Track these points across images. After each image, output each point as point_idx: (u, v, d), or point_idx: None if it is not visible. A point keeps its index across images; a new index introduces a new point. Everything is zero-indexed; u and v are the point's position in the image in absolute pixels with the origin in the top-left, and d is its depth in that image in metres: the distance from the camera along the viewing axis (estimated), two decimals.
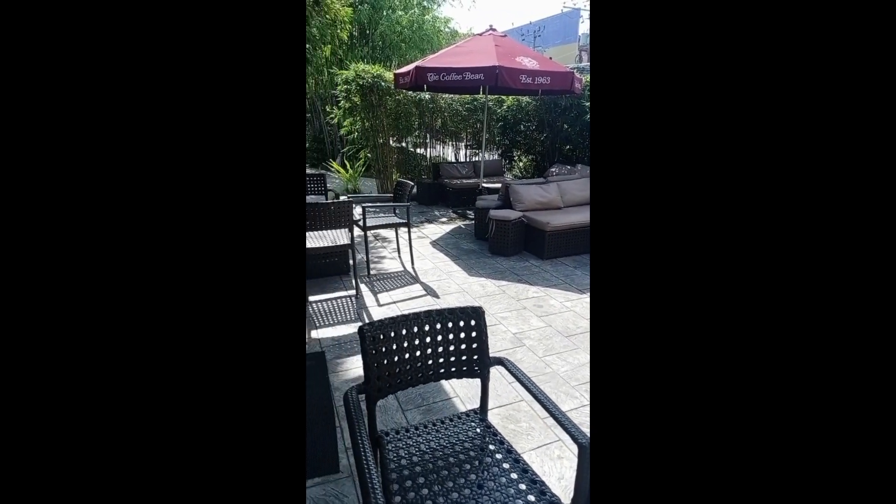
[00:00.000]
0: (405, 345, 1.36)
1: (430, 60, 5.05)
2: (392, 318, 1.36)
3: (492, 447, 1.29)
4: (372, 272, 3.87)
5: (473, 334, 1.41)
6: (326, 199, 4.31)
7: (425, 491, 1.13)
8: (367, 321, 2.99)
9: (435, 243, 4.75)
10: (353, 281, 3.56)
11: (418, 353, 1.37)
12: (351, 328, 2.88)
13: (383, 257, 4.33)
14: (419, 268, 3.98)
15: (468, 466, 1.22)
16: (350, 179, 7.11)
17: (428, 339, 1.39)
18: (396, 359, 1.34)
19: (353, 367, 2.45)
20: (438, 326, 1.40)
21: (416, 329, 1.38)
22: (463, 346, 1.41)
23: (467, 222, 5.65)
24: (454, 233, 5.20)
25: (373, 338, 1.31)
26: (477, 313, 1.42)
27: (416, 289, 3.52)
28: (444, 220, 5.84)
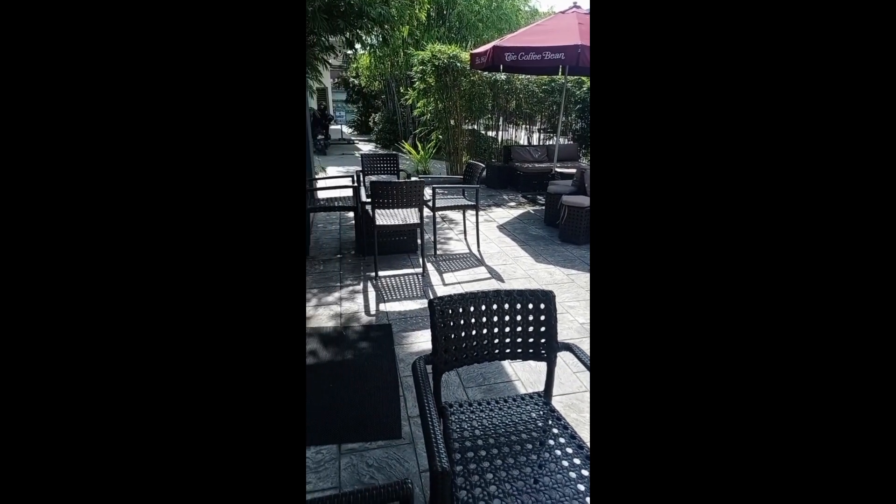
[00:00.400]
0: (473, 321, 1.37)
1: (508, 40, 4.92)
2: (462, 295, 1.38)
3: (555, 431, 1.27)
4: (438, 252, 3.93)
5: (542, 318, 1.39)
6: (398, 179, 4.42)
7: (486, 464, 1.15)
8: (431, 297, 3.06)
9: (502, 227, 4.71)
10: (420, 259, 3.64)
11: (485, 331, 1.38)
12: (417, 304, 2.97)
13: (449, 239, 4.38)
14: (485, 251, 3.98)
15: (529, 447, 1.22)
16: (421, 161, 7.22)
17: (496, 318, 1.39)
18: (464, 334, 1.36)
19: (418, 340, 2.53)
20: (507, 307, 1.40)
21: (484, 307, 1.39)
22: (531, 329, 1.40)
23: (537, 208, 5.53)
24: (523, 218, 5.11)
25: (442, 311, 1.34)
26: (547, 297, 1.39)
27: (482, 271, 3.53)
28: (512, 204, 5.76)
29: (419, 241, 3.73)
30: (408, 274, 3.47)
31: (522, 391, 2.10)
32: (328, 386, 2.11)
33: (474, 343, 1.38)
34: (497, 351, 1.40)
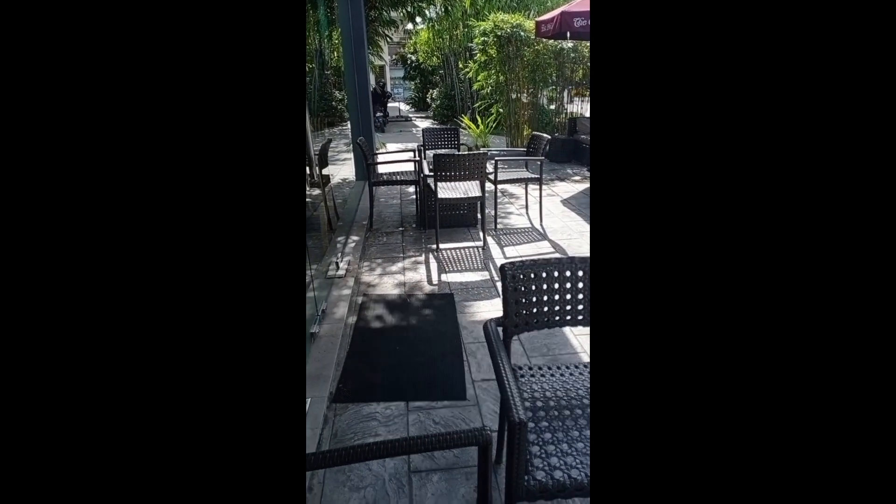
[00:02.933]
0: (544, 287, 1.36)
1: (577, 4, 4.66)
2: (533, 260, 1.37)
3: None
4: (499, 227, 3.90)
5: None
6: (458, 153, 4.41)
7: (557, 423, 1.15)
8: (493, 271, 3.06)
9: (566, 202, 4.57)
10: (481, 233, 3.64)
11: (557, 297, 1.37)
12: (477, 275, 2.99)
13: (510, 213, 4.32)
14: (547, 226, 3.89)
15: None
16: (480, 135, 7.13)
17: (569, 285, 1.37)
18: (535, 299, 1.35)
19: (480, 310, 2.55)
20: (581, 273, 1.37)
21: (557, 273, 1.36)
22: None
23: None
24: (587, 192, 4.92)
25: (513, 276, 1.34)
26: None
27: (545, 245, 3.47)
28: (577, 178, 5.55)
29: (479, 216, 3.72)
30: (468, 247, 3.48)
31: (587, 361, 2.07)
32: (395, 348, 2.20)
33: (545, 308, 1.37)
34: (569, 317, 1.38)
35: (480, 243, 3.53)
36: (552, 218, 4.07)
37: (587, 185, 5.22)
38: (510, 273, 1.33)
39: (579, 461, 1.03)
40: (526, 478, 0.97)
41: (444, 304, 2.63)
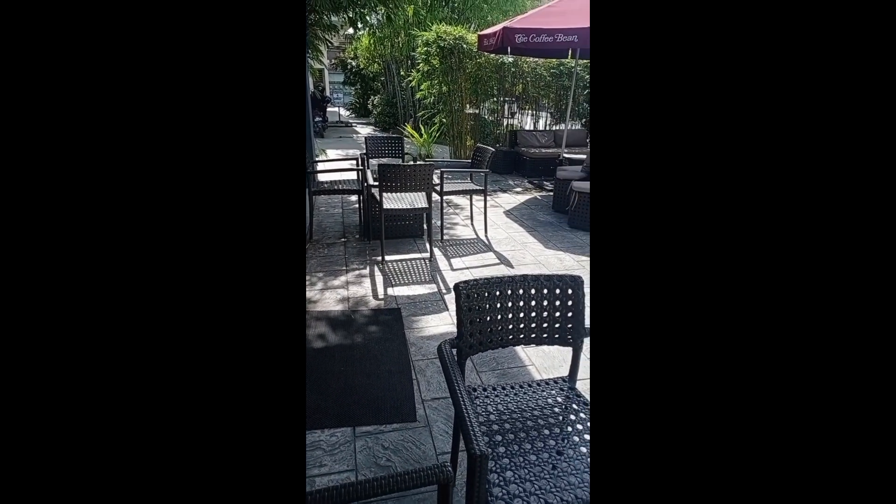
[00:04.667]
0: (499, 306, 1.34)
1: (519, 21, 4.81)
2: (487, 279, 1.34)
3: (582, 415, 1.25)
4: (445, 238, 3.89)
5: (570, 303, 1.36)
6: (403, 163, 4.35)
7: (507, 449, 1.13)
8: (441, 284, 3.03)
9: (509, 213, 4.67)
10: (428, 244, 3.60)
11: (511, 316, 1.35)
12: (425, 288, 2.94)
13: (456, 224, 4.33)
14: (493, 237, 3.94)
15: (557, 430, 1.20)
16: (424, 145, 7.12)
17: (522, 303, 1.36)
18: (489, 318, 1.33)
19: (429, 325, 2.50)
20: (533, 291, 1.36)
21: (510, 292, 1.35)
22: (557, 314, 1.37)
23: (544, 193, 5.47)
24: (530, 203, 5.06)
25: (468, 295, 1.31)
26: (576, 282, 1.36)
27: (490, 257, 3.50)
28: (518, 190, 5.70)
29: (425, 227, 3.68)
30: (415, 259, 3.43)
31: (536, 376, 2.09)
32: (340, 369, 2.08)
33: (499, 328, 1.35)
34: (522, 336, 1.37)
35: (427, 255, 3.49)
36: (497, 229, 4.13)
37: (529, 196, 5.38)
38: (465, 293, 1.30)
39: (538, 487, 1.01)
40: None
41: (392, 319, 2.55)
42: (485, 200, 4.03)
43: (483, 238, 3.91)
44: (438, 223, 3.96)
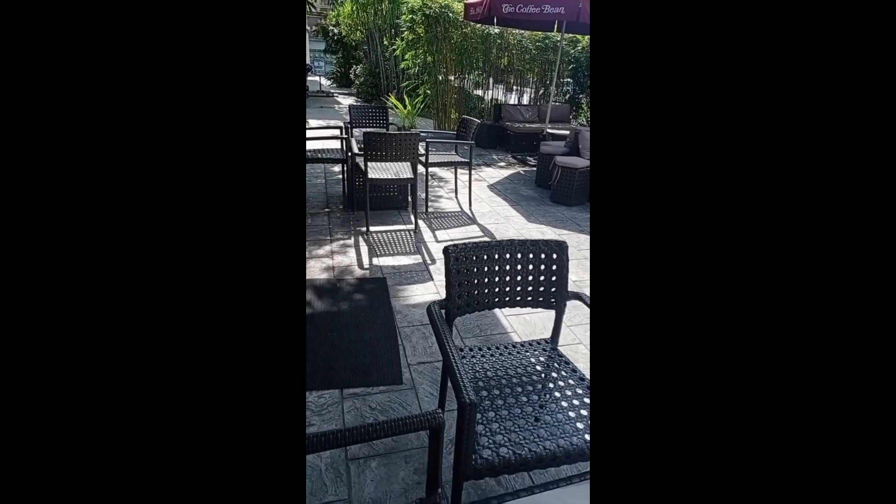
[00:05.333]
0: (486, 269, 1.38)
1: None
2: (476, 243, 1.38)
3: (563, 373, 1.32)
4: (429, 210, 3.89)
5: (554, 267, 1.41)
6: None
7: (493, 404, 1.19)
8: (426, 255, 3.06)
9: (493, 187, 4.68)
10: (412, 216, 3.60)
11: (497, 279, 1.39)
12: (410, 259, 2.96)
13: (440, 196, 4.33)
14: (476, 210, 3.96)
15: (540, 387, 1.26)
16: (408, 116, 7.00)
17: (508, 267, 1.40)
18: (476, 281, 1.37)
19: (414, 294, 2.54)
20: (520, 256, 1.40)
21: (497, 256, 1.39)
22: (542, 278, 1.42)
23: (527, 168, 5.50)
24: (513, 178, 5.08)
25: (456, 258, 1.34)
26: (561, 247, 1.40)
27: (474, 230, 3.53)
28: (502, 164, 5.71)
29: (410, 198, 3.67)
30: (400, 230, 3.43)
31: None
32: (326, 335, 2.11)
33: (486, 290, 1.39)
34: (508, 298, 1.42)
35: (412, 227, 3.49)
36: (481, 203, 4.15)
37: (512, 171, 5.40)
38: (454, 255, 1.33)
39: (522, 437, 1.07)
40: (474, 457, 0.98)
41: (377, 288, 2.57)
42: (469, 173, 4.03)
43: (467, 211, 3.93)
44: (423, 195, 3.94)
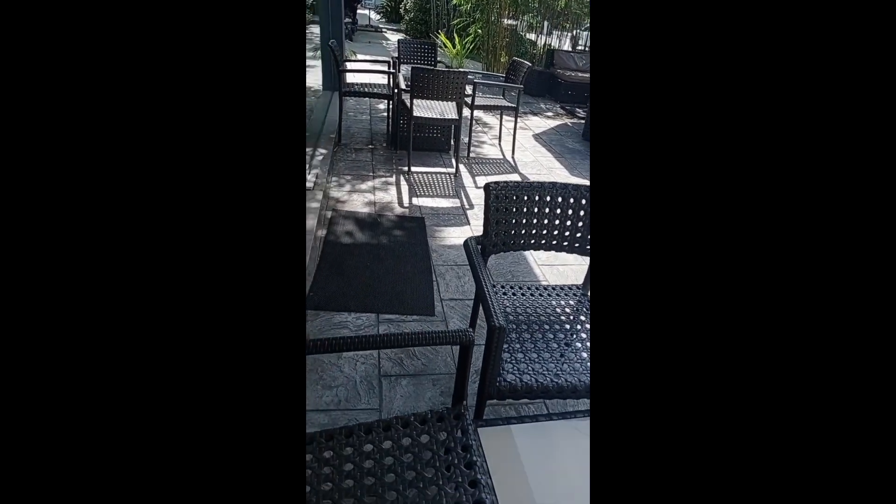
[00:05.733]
0: (525, 210, 1.39)
1: None
2: (517, 183, 1.39)
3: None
4: (471, 155, 3.85)
5: None
6: None
7: (519, 337, 1.25)
8: (464, 199, 3.07)
9: (538, 137, 4.54)
10: (454, 160, 3.59)
11: (535, 221, 1.41)
12: (449, 202, 2.99)
13: (483, 142, 4.25)
14: (519, 159, 3.88)
15: (567, 328, 1.31)
16: (457, 56, 6.74)
17: (547, 210, 1.41)
18: (514, 221, 1.39)
19: (450, 235, 2.59)
20: (560, 199, 1.41)
21: (537, 197, 1.40)
22: (580, 224, 1.42)
23: (575, 121, 5.26)
24: (560, 129, 4.90)
25: (497, 196, 1.36)
26: None
27: (515, 178, 3.48)
28: (549, 114, 5.48)
29: (452, 142, 3.63)
30: (440, 172, 3.44)
31: None
32: (366, 264, 2.21)
33: (522, 231, 1.41)
34: (544, 241, 1.44)
35: (453, 170, 3.49)
36: (524, 152, 4.06)
37: (560, 122, 5.18)
38: (494, 193, 1.35)
39: (546, 369, 1.13)
40: (498, 379, 1.06)
41: (415, 226, 2.64)
42: (515, 119, 3.91)
43: (510, 159, 3.86)
44: (466, 140, 3.89)
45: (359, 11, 11.24)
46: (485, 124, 4.80)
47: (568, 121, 5.25)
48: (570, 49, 7.03)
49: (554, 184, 1.40)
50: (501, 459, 0.93)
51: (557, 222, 1.42)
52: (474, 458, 0.86)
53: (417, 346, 0.89)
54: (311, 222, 2.45)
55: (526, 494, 0.87)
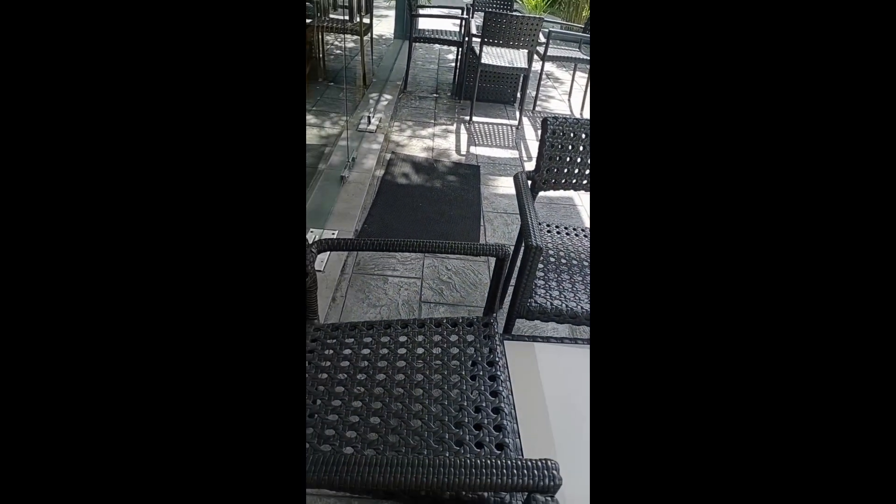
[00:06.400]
0: (581, 148, 1.37)
1: None
2: (577, 119, 1.36)
3: None
4: (537, 109, 3.73)
5: None
6: None
7: (556, 269, 1.26)
8: (523, 151, 3.02)
9: None
10: (518, 112, 3.50)
11: (589, 161, 1.38)
12: (507, 153, 2.96)
13: (552, 97, 4.09)
14: (587, 116, 3.71)
15: None
16: (535, 8, 6.40)
17: None
18: (569, 159, 1.37)
19: (503, 185, 2.59)
20: None
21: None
22: None
23: None
24: None
25: (553, 131, 1.35)
26: None
27: None
28: None
29: (519, 94, 3.53)
30: (502, 124, 3.39)
31: None
32: (418, 204, 2.29)
33: (575, 170, 1.39)
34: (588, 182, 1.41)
35: (515, 122, 3.42)
36: None
37: None
38: (552, 127, 1.33)
39: (575, 297, 1.15)
40: (529, 301, 1.10)
41: (470, 173, 2.66)
42: (589, 75, 3.71)
43: (578, 116, 3.70)
44: (533, 94, 3.76)
45: None
46: (556, 79, 4.59)
47: None
48: None
49: None
50: (523, 372, 0.98)
51: None
52: (498, 364, 0.92)
53: (457, 254, 0.95)
54: (370, 162, 2.54)
55: (540, 406, 0.92)
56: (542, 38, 3.32)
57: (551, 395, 0.95)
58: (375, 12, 6.49)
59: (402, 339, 0.97)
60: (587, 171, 1.39)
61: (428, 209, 2.26)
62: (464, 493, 0.68)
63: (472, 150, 2.96)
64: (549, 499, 0.53)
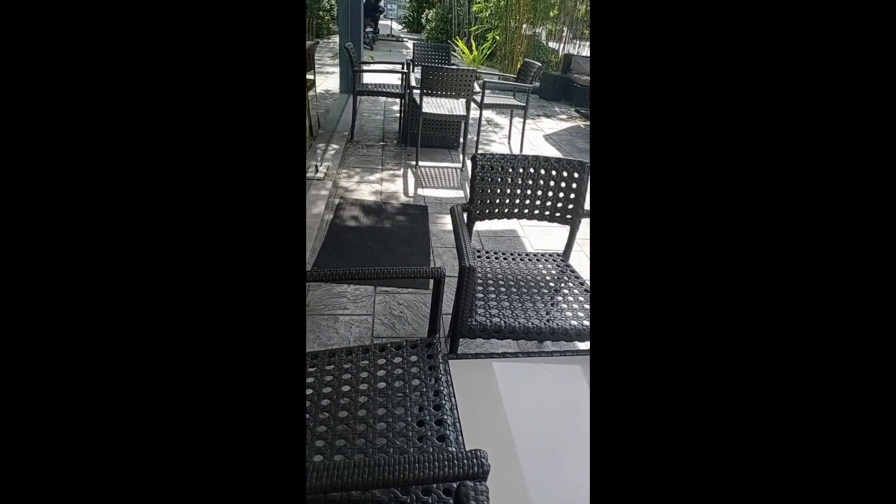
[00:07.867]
0: (510, 181, 1.50)
1: None
2: (503, 155, 1.50)
3: (571, 284, 1.44)
4: (479, 152, 3.97)
5: (574, 185, 1.50)
6: None
7: (497, 294, 1.34)
8: (468, 191, 3.19)
9: (548, 137, 4.64)
10: (461, 156, 3.71)
11: (519, 192, 1.51)
12: (453, 193, 3.11)
13: (492, 141, 4.37)
14: None
15: (546, 291, 1.40)
16: (473, 62, 6.92)
17: (531, 181, 1.51)
18: (500, 190, 1.50)
19: (449, 222, 2.68)
20: (543, 171, 1.51)
21: (521, 169, 1.50)
22: (561, 194, 1.52)
23: (588, 123, 5.34)
24: (572, 131, 4.98)
25: (482, 166, 1.47)
26: (583, 167, 1.49)
27: None
28: (563, 117, 5.58)
29: (461, 140, 3.77)
30: (447, 167, 3.57)
31: None
32: (368, 244, 2.34)
33: (507, 200, 1.51)
34: (527, 210, 1.54)
35: (459, 165, 3.61)
36: (533, 150, 4.16)
37: (573, 124, 5.27)
38: (480, 163, 1.46)
39: (513, 314, 1.23)
40: (469, 320, 1.16)
41: (418, 213, 2.76)
42: (524, 118, 4.02)
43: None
44: (474, 138, 4.02)
45: (381, 22, 11.62)
46: (496, 125, 4.92)
47: (581, 123, 5.34)
48: (587, 55, 7.13)
49: (537, 157, 1.50)
50: (468, 389, 1.02)
51: (540, 193, 1.52)
52: (441, 381, 0.96)
53: (397, 278, 1.01)
54: (318, 208, 2.60)
55: (486, 420, 0.97)
56: (477, 88, 3.60)
57: (493, 406, 0.99)
58: (322, 69, 6.74)
59: (347, 366, 1.00)
60: (517, 201, 1.52)
61: (377, 248, 2.31)
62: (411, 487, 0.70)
63: (420, 191, 3.09)
64: (478, 483, 0.57)
